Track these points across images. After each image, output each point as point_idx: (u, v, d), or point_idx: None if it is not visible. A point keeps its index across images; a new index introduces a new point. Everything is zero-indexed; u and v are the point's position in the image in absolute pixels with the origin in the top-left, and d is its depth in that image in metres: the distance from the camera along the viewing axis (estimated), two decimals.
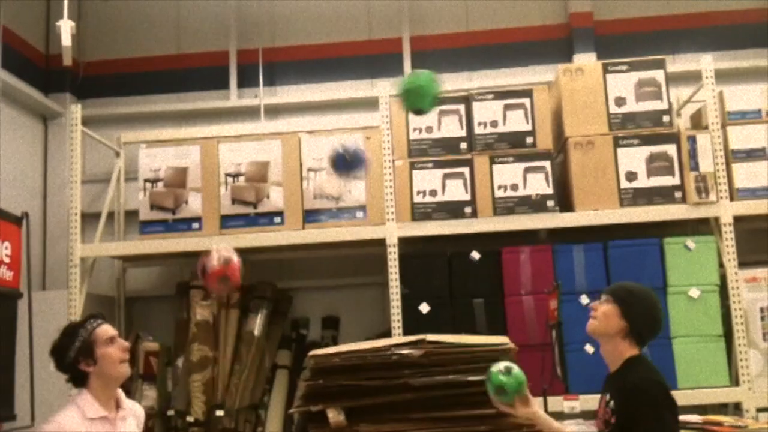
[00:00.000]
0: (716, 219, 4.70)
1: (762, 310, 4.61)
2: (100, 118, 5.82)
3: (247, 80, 5.95)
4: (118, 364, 2.79)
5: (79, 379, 2.78)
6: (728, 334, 4.54)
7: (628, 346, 2.69)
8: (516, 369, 2.64)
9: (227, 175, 5.00)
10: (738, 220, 4.67)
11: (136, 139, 5.64)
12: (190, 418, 4.90)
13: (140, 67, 6.05)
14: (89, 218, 5.40)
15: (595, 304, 2.78)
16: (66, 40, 4.57)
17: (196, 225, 4.98)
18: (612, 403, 2.61)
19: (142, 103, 6.00)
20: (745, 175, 4.73)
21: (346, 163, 3.02)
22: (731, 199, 4.69)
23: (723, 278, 4.59)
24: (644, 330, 2.72)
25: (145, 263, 5.65)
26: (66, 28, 4.53)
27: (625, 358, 2.68)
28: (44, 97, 5.72)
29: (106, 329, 2.81)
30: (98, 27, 6.06)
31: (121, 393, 2.91)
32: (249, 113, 5.87)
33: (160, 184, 5.02)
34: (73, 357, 2.74)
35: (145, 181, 5.05)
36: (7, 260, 4.71)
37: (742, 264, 4.63)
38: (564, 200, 4.85)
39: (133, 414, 2.93)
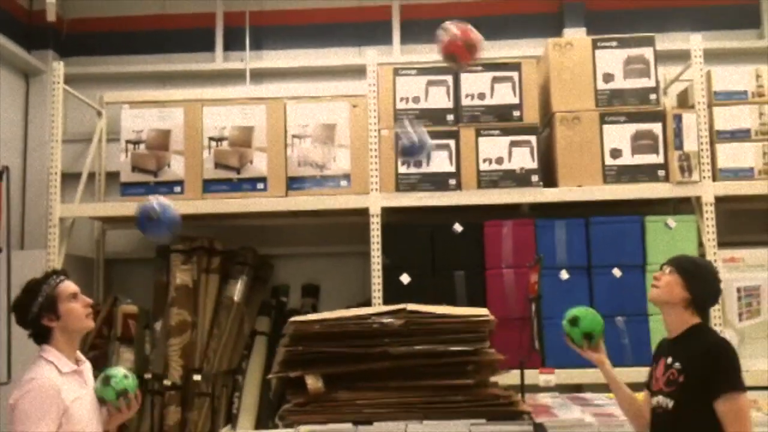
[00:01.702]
0: (698, 198, 4.72)
1: (739, 290, 4.66)
2: (83, 76, 5.73)
3: (233, 43, 5.87)
4: (83, 318, 2.83)
5: (41, 335, 2.81)
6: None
7: (690, 315, 2.81)
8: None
9: (211, 138, 4.96)
10: (719, 200, 4.70)
11: (118, 99, 5.55)
12: (167, 382, 4.90)
13: (125, 26, 5.95)
14: (69, 178, 5.33)
15: (659, 274, 2.89)
16: None
17: (177, 188, 4.94)
18: (678, 364, 2.73)
19: (126, 62, 5.91)
20: (729, 155, 4.75)
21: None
22: (713, 179, 4.71)
23: (702, 257, 4.62)
24: (707, 301, 2.86)
25: (125, 225, 5.59)
26: None
27: (689, 325, 2.80)
28: (27, 54, 5.62)
29: (68, 285, 2.85)
30: None
31: None
32: (234, 77, 5.80)
33: (143, 146, 4.97)
34: (36, 312, 2.77)
35: (127, 142, 4.99)
36: None
37: (722, 244, 4.66)
38: (548, 175, 4.85)
39: (88, 367, 2.98)
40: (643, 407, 2.95)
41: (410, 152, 3.50)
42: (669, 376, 2.76)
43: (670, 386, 2.74)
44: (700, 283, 2.82)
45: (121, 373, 2.83)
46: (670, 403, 2.71)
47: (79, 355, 2.94)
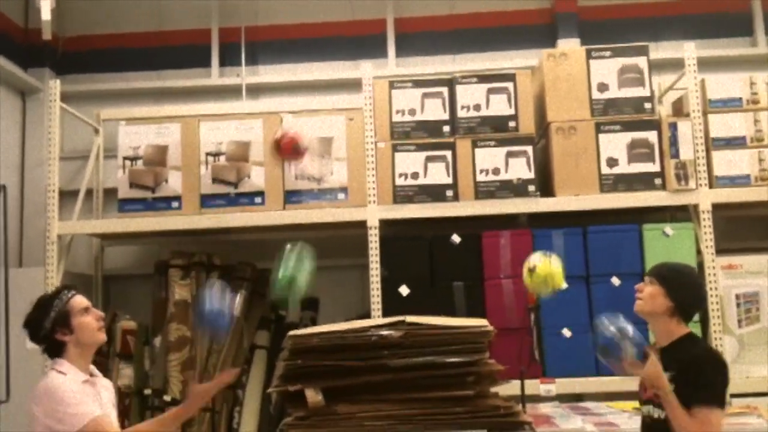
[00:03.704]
0: (695, 206, 4.72)
1: (738, 297, 4.66)
2: (80, 94, 5.75)
3: (229, 59, 5.90)
4: (96, 332, 2.89)
5: (54, 350, 2.85)
6: (704, 321, 4.58)
7: (677, 323, 2.83)
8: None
9: (208, 154, 4.96)
10: (716, 207, 4.70)
11: (115, 116, 5.57)
12: (167, 397, 4.88)
13: (121, 43, 5.98)
14: (67, 195, 5.34)
15: (641, 285, 2.92)
16: (46, 14, 4.51)
17: (175, 204, 4.94)
18: (668, 375, 2.71)
19: (122, 79, 5.93)
20: (725, 163, 4.77)
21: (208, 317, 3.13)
22: (710, 187, 4.72)
23: (700, 265, 4.62)
24: (691, 307, 2.87)
25: (123, 241, 5.61)
26: (46, 1, 4.47)
27: (679, 335, 2.81)
28: (23, 72, 5.64)
29: (80, 300, 2.90)
30: (79, 2, 5.97)
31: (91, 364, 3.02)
32: (231, 92, 5.82)
33: (140, 162, 4.97)
34: (49, 328, 2.82)
35: (125, 158, 5.00)
36: None
37: (720, 251, 4.67)
38: (545, 185, 4.87)
39: (104, 382, 3.07)
40: None
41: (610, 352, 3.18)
42: None
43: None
44: (681, 289, 2.83)
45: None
46: (662, 414, 2.70)
47: (93, 369, 2.98)
